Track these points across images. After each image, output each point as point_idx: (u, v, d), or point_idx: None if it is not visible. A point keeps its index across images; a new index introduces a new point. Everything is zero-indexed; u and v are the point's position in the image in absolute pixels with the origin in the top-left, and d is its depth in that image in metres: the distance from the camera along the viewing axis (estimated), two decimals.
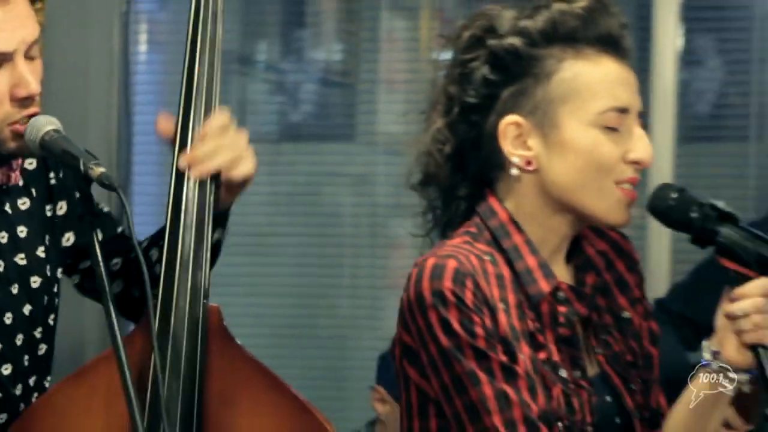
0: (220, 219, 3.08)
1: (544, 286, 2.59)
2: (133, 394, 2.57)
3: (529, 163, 2.58)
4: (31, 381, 3.04)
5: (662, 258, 4.55)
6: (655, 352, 2.76)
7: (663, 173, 4.54)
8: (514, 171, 2.59)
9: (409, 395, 2.64)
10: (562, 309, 2.62)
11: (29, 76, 2.84)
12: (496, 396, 2.52)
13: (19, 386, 3.01)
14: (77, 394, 2.97)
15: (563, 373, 2.59)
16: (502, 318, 2.54)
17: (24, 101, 2.84)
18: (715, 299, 2.56)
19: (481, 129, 2.62)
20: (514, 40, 2.59)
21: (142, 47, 5.21)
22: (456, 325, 2.51)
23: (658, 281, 4.54)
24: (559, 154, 2.59)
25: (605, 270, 2.73)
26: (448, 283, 2.51)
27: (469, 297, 2.51)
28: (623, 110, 2.58)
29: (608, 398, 2.65)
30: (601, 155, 2.57)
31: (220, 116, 3.02)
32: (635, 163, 2.58)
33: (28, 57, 2.86)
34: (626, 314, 2.73)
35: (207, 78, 3.05)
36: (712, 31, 4.96)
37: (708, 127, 5.03)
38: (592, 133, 2.57)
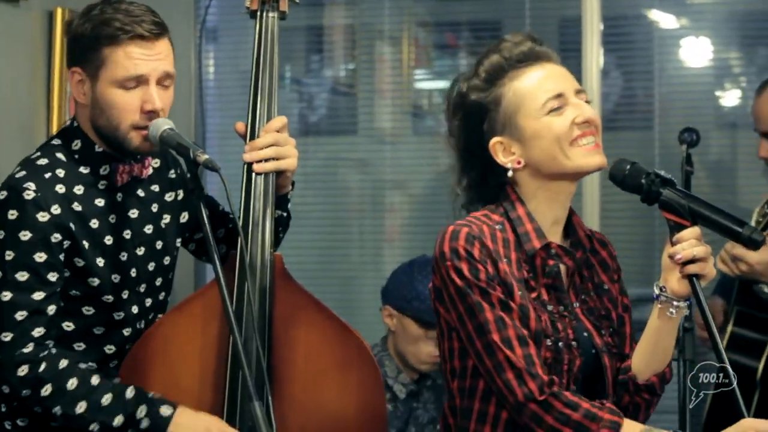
0: (281, 201, 3.08)
1: (536, 244, 2.62)
2: (231, 315, 2.53)
3: (519, 162, 2.63)
4: (151, 317, 3.01)
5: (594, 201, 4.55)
6: (627, 316, 2.75)
7: None
8: (511, 173, 2.64)
9: (440, 325, 2.67)
10: (550, 262, 2.64)
11: (156, 97, 2.82)
12: (495, 320, 2.54)
13: (143, 322, 2.99)
14: (180, 320, 2.94)
15: (550, 307, 2.62)
16: (506, 268, 2.58)
17: (149, 114, 2.82)
18: None
19: (483, 159, 2.67)
20: (473, 95, 2.66)
21: (210, 70, 5.17)
22: (466, 272, 2.55)
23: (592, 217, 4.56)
24: (531, 145, 2.62)
25: (591, 253, 2.74)
26: (461, 243, 2.56)
27: (476, 252, 2.56)
28: (558, 95, 2.61)
29: (585, 334, 2.65)
30: (555, 130, 2.59)
31: (279, 119, 3.02)
32: (583, 122, 2.60)
33: (161, 85, 2.85)
34: (606, 286, 2.73)
35: (269, 90, 3.05)
36: (623, 49, 4.95)
37: (621, 119, 5.02)
38: (544, 120, 2.60)
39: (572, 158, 2.60)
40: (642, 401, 2.67)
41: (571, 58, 4.57)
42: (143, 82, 2.82)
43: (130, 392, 2.81)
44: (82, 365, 2.85)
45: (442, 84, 5.30)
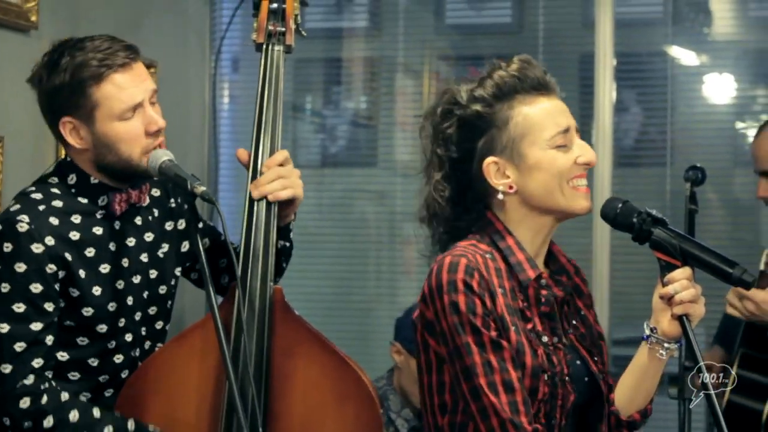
0: (284, 232, 3.08)
1: (531, 274, 2.56)
2: (225, 346, 2.55)
3: (510, 187, 2.56)
4: (147, 346, 3.00)
5: (604, 253, 4.53)
6: (603, 344, 2.70)
7: (604, 190, 4.54)
8: (501, 196, 2.57)
9: (428, 357, 2.57)
10: (543, 292, 2.58)
11: (156, 116, 2.87)
12: (482, 363, 2.46)
13: (138, 350, 2.98)
14: (179, 351, 2.93)
15: (545, 338, 2.55)
16: (501, 300, 2.50)
17: (155, 134, 2.86)
18: None
19: (469, 173, 2.59)
20: (476, 106, 2.57)
21: (225, 100, 5.20)
22: (461, 306, 2.47)
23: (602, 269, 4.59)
24: (529, 175, 2.56)
25: (569, 279, 2.70)
26: (460, 275, 2.47)
27: (474, 285, 2.47)
28: (565, 130, 2.56)
29: (578, 362, 2.60)
30: (559, 166, 2.55)
31: (281, 153, 3.01)
32: (584, 164, 2.57)
33: (151, 103, 2.88)
34: (582, 312, 2.68)
35: (272, 123, 3.03)
36: (637, 86, 4.94)
37: (635, 156, 5.01)
38: (549, 153, 2.55)
39: (567, 197, 2.56)
40: None
41: (588, 93, 4.57)
42: (138, 108, 2.85)
43: (131, 425, 2.82)
44: (83, 398, 2.86)
45: None
